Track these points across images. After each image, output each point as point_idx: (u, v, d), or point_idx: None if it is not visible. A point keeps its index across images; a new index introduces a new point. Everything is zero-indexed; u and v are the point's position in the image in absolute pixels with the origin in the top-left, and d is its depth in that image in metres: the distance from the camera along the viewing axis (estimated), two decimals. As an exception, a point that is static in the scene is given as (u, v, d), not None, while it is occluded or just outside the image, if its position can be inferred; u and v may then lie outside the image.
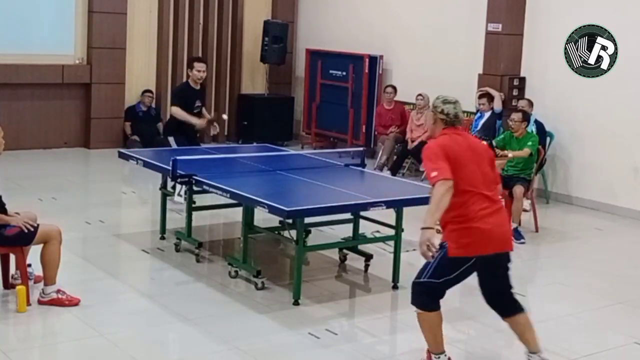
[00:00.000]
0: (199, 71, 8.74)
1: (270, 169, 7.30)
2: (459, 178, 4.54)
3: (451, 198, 4.47)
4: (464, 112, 11.08)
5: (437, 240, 4.45)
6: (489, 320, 5.55)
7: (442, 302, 4.74)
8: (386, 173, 10.65)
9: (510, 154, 8.47)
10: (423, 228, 4.38)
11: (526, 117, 8.73)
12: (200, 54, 13.09)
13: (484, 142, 8.08)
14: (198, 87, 8.92)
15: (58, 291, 5.78)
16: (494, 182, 4.87)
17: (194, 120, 8.75)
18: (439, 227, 4.58)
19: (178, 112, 8.69)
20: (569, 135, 10.12)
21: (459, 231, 4.61)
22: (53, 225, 5.87)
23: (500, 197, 4.99)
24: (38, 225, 5.77)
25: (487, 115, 10.11)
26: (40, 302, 5.76)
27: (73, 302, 5.79)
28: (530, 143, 8.52)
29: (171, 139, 8.75)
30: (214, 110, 13.04)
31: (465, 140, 4.83)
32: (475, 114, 10.40)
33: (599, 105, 9.85)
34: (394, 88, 11.77)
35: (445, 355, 4.82)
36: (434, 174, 4.50)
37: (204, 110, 9.20)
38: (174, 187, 7.04)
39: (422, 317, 4.74)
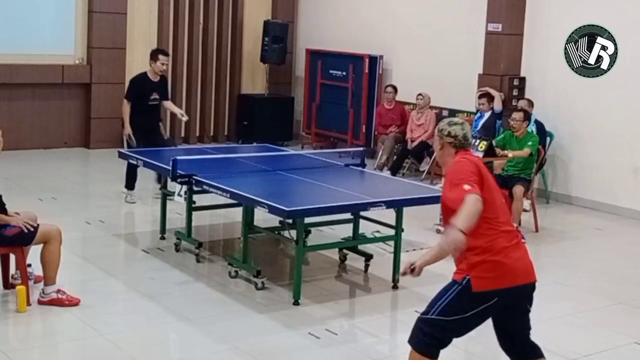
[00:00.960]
0: (162, 64, 8.91)
1: (270, 169, 7.30)
2: (487, 203, 4.06)
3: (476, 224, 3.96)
4: (464, 112, 11.12)
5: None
6: (489, 320, 5.55)
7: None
8: (386, 173, 10.65)
9: (510, 154, 8.47)
10: (458, 229, 3.84)
11: (527, 116, 8.74)
12: (200, 54, 13.12)
13: (484, 143, 8.14)
14: (157, 79, 9.02)
15: (58, 291, 5.78)
16: (508, 213, 4.48)
17: (125, 124, 8.92)
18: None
19: (123, 109, 8.95)
20: (569, 135, 10.12)
21: (485, 263, 4.09)
22: (53, 225, 5.87)
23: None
24: (38, 225, 5.77)
25: (487, 115, 10.10)
26: (40, 302, 5.76)
27: (73, 302, 5.79)
28: (530, 143, 8.52)
29: (133, 137, 8.94)
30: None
31: (484, 166, 4.32)
32: (475, 114, 10.40)
33: (599, 105, 9.85)
34: (394, 88, 11.77)
35: None
36: (467, 187, 3.98)
37: (169, 103, 9.31)
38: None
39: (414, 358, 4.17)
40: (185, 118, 9.48)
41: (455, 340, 4.19)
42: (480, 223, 4.01)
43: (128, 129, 8.94)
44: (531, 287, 4.30)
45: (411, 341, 4.19)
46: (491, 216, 4.14)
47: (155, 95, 9.01)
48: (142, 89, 8.94)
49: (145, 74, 9.05)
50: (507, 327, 4.37)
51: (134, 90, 9.00)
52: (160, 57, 8.94)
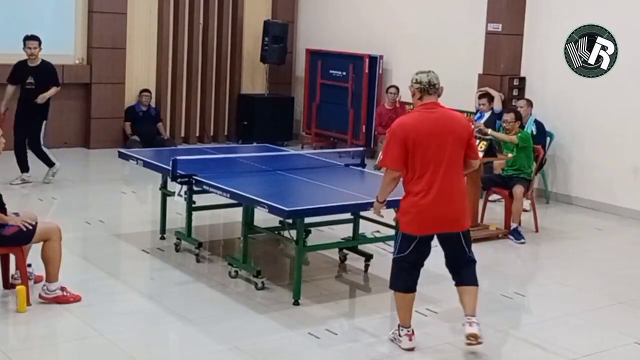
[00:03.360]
0: (29, 48, 9.34)
1: (270, 169, 7.30)
2: (414, 159, 5.04)
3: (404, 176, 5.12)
4: (463, 112, 11.12)
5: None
6: (489, 320, 5.56)
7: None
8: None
9: (493, 134, 8.49)
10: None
11: (518, 116, 8.73)
12: (200, 54, 13.11)
13: (484, 143, 8.13)
14: (35, 64, 9.44)
15: (62, 289, 5.79)
16: (460, 165, 5.21)
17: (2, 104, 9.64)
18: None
19: (7, 90, 9.62)
20: (569, 135, 10.12)
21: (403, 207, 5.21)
22: (52, 223, 5.89)
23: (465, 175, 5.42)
24: (36, 223, 5.77)
25: (486, 115, 10.11)
26: (43, 298, 5.76)
27: (77, 299, 5.84)
28: (519, 135, 8.51)
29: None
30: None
31: (434, 120, 5.11)
32: (475, 114, 10.40)
33: (599, 105, 9.85)
34: (397, 89, 11.78)
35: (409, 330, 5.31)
36: (380, 157, 5.15)
37: (53, 89, 9.48)
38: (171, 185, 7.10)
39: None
40: (40, 101, 9.45)
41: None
42: (406, 173, 5.15)
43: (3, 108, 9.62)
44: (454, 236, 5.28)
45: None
46: (416, 167, 5.10)
47: (30, 80, 9.40)
48: (17, 73, 9.50)
49: (25, 60, 9.50)
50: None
51: (11, 73, 9.59)
52: (27, 42, 9.35)
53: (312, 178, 6.97)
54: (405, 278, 5.26)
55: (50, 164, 9.70)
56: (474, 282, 5.33)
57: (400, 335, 5.34)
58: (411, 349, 5.30)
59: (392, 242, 6.69)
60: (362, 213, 6.83)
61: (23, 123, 9.44)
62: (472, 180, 7.76)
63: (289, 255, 7.37)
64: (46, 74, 9.48)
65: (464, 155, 5.22)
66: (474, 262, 5.36)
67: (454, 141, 5.13)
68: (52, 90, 9.47)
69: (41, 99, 9.36)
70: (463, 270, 5.32)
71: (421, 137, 5.04)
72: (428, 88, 5.15)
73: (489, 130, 8.58)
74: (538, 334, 5.81)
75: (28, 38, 9.37)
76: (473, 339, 5.23)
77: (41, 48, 9.44)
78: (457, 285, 5.36)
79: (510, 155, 8.52)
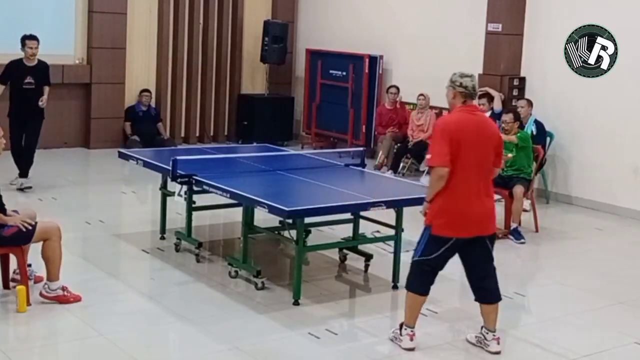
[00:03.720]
0: (30, 48, 9.21)
1: (270, 169, 7.30)
2: (457, 159, 5.01)
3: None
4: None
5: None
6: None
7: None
8: (388, 173, 10.66)
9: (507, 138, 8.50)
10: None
11: (517, 116, 8.73)
12: (200, 54, 13.11)
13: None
14: (32, 64, 9.31)
15: (63, 288, 5.80)
16: (490, 170, 5.29)
17: None
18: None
19: None
20: (569, 135, 10.12)
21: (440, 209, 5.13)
22: (51, 222, 5.88)
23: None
24: (36, 222, 5.77)
25: (486, 115, 10.10)
26: (44, 297, 5.76)
27: (77, 299, 5.84)
28: (517, 134, 8.51)
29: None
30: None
31: (476, 123, 5.17)
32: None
33: (599, 105, 9.85)
34: (398, 89, 11.78)
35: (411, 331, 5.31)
36: (428, 156, 5.10)
37: (46, 89, 9.37)
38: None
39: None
40: (42, 104, 9.36)
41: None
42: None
43: None
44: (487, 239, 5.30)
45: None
46: (458, 169, 5.05)
47: (29, 79, 9.27)
48: (13, 73, 9.29)
49: (20, 59, 9.35)
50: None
51: (5, 73, 9.38)
52: (27, 42, 9.22)
53: (312, 178, 6.97)
54: (424, 281, 5.24)
55: (27, 174, 9.37)
56: (499, 298, 5.34)
57: (401, 335, 5.34)
58: (411, 349, 5.30)
59: (392, 242, 6.71)
60: (362, 213, 6.83)
61: (24, 124, 9.30)
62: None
63: (289, 255, 7.37)
64: (43, 73, 9.44)
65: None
66: (495, 270, 5.36)
67: (489, 146, 5.21)
68: (47, 90, 9.40)
69: (44, 101, 9.28)
70: (488, 283, 5.29)
71: (466, 138, 5.07)
72: (472, 93, 5.23)
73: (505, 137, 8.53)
74: (538, 334, 5.81)
75: (28, 38, 9.30)
76: (497, 354, 5.29)
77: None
78: (484, 303, 5.32)
79: (510, 155, 8.51)
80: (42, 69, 9.43)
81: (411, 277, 5.29)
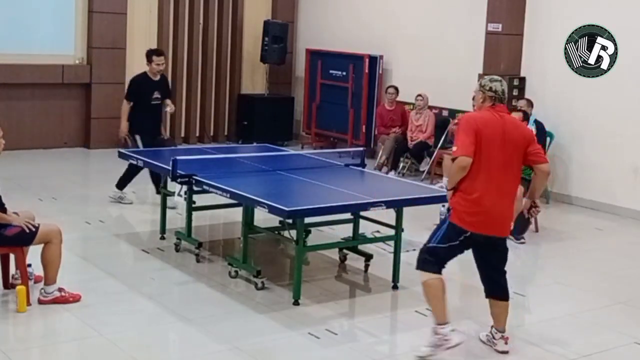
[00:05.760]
0: (158, 64, 8.97)
1: (270, 169, 7.30)
2: (479, 154, 5.03)
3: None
4: (464, 112, 11.08)
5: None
6: (489, 320, 5.55)
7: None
8: (390, 174, 10.66)
9: None
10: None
11: (526, 117, 8.74)
12: (200, 54, 13.12)
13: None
14: (157, 78, 9.06)
15: (60, 290, 5.79)
16: (515, 173, 5.24)
17: (123, 123, 8.99)
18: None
19: (122, 108, 9.00)
20: (569, 135, 10.12)
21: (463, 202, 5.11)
22: (53, 225, 5.86)
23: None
24: (39, 225, 5.77)
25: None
26: (42, 302, 5.76)
27: (76, 299, 5.83)
28: None
29: (138, 138, 8.93)
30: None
31: (502, 124, 5.15)
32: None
33: (599, 105, 9.85)
34: (396, 89, 11.78)
35: (450, 325, 5.13)
36: (454, 148, 5.10)
37: (168, 102, 9.25)
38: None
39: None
40: (170, 109, 9.31)
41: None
42: (470, 168, 5.06)
43: (124, 130, 8.99)
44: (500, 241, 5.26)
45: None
46: (481, 167, 5.06)
47: (156, 95, 9.03)
48: (141, 90, 8.97)
49: (145, 73, 9.08)
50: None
51: (133, 91, 9.03)
52: (155, 58, 8.98)
53: (312, 178, 6.97)
54: (433, 262, 5.14)
55: (122, 186, 9.13)
56: (509, 296, 5.38)
57: (445, 335, 5.14)
58: (458, 345, 5.18)
59: (392, 242, 6.71)
60: (362, 213, 6.83)
61: (155, 141, 8.97)
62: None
63: (289, 255, 7.37)
64: (167, 87, 9.33)
65: (530, 162, 5.27)
66: (506, 272, 5.38)
67: (516, 149, 5.17)
68: (169, 101, 9.25)
69: (173, 108, 9.28)
70: (501, 280, 5.32)
71: (490, 136, 5.08)
72: (502, 97, 5.25)
73: None
74: (538, 334, 5.81)
75: (156, 54, 9.02)
76: (504, 354, 5.33)
77: None
78: (495, 298, 5.34)
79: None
80: (166, 83, 9.32)
81: (421, 261, 5.19)
